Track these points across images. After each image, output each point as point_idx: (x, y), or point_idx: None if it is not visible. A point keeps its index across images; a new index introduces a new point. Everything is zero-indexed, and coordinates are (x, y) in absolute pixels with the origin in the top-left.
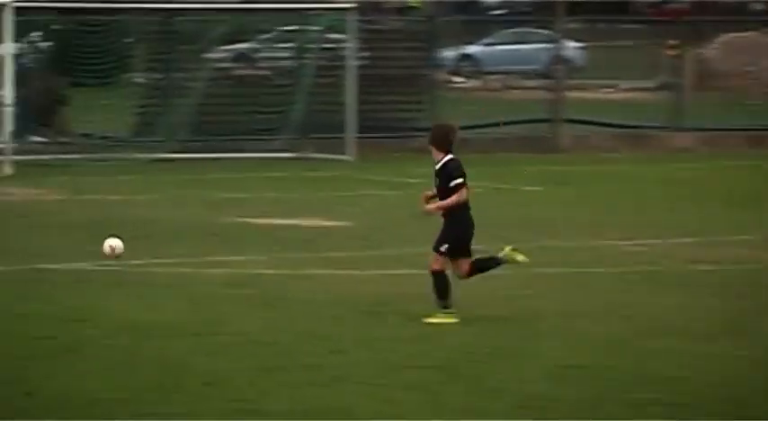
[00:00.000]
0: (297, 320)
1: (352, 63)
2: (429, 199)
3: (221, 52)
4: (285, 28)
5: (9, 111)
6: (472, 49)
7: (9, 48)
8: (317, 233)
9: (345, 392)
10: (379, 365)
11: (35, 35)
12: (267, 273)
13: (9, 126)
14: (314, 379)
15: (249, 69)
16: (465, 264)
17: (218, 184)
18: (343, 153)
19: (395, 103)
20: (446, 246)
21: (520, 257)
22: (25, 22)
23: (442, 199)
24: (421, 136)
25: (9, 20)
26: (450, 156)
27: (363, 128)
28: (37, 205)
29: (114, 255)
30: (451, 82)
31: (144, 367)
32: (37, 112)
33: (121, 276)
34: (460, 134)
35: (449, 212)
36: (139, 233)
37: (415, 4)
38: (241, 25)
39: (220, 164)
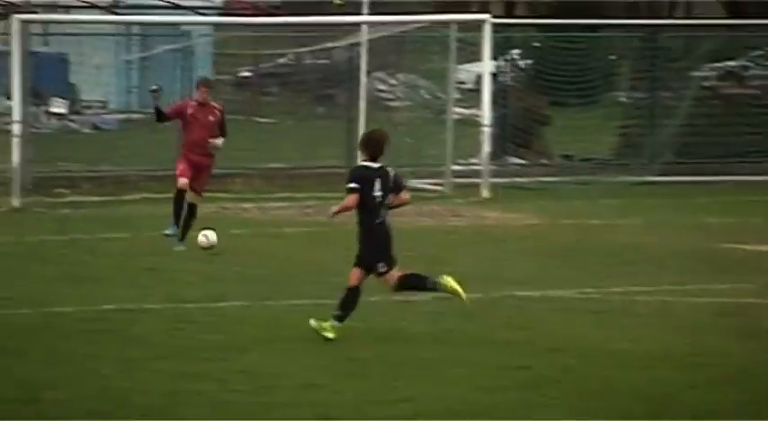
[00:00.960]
0: None
1: None
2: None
3: (708, 70)
4: None
5: (487, 132)
6: None
7: (488, 66)
8: None
9: None
10: None
11: (514, 53)
12: (757, 302)
13: (487, 147)
14: None
15: (738, 88)
16: (391, 277)
17: (706, 208)
18: None
19: None
20: (357, 259)
21: (451, 286)
22: (504, 39)
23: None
24: None
25: (488, 37)
26: (357, 164)
27: None
28: (513, 230)
29: (208, 244)
30: None
31: (622, 399)
32: (516, 133)
33: (601, 304)
34: None
35: (358, 224)
36: (620, 259)
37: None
38: (730, 41)
39: (707, 187)
